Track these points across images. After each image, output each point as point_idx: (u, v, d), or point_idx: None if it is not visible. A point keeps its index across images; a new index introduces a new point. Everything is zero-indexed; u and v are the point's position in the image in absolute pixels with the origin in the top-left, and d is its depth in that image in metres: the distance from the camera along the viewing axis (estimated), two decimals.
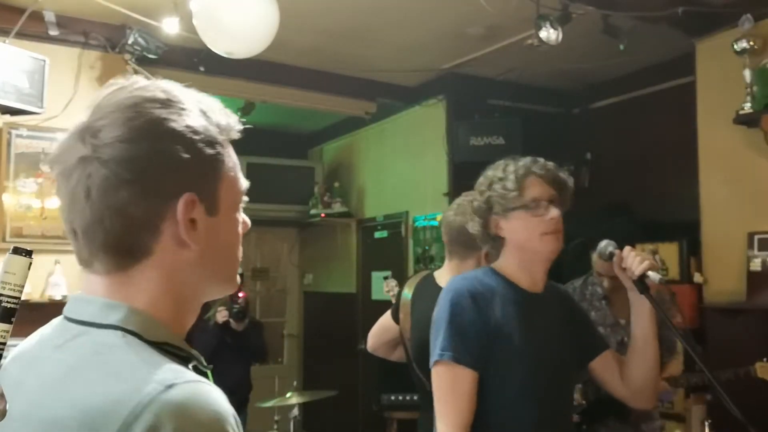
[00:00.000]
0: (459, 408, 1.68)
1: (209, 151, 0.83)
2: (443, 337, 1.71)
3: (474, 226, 1.83)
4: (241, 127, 0.93)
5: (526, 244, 1.77)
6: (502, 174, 1.82)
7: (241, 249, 0.91)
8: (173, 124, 0.80)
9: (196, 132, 0.82)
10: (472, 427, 1.70)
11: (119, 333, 0.77)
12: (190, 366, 0.79)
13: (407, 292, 2.56)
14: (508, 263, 1.83)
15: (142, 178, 0.78)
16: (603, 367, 1.87)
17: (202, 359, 0.83)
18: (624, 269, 1.77)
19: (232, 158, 0.89)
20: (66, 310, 0.84)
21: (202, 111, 0.86)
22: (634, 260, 1.75)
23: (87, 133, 0.80)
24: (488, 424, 1.72)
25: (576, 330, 1.88)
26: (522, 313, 1.76)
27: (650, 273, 1.72)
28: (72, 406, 0.71)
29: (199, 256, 0.82)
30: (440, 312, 1.76)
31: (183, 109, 0.83)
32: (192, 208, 0.81)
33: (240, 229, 0.91)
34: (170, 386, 0.70)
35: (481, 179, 1.88)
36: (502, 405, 1.72)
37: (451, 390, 1.69)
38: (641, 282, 1.73)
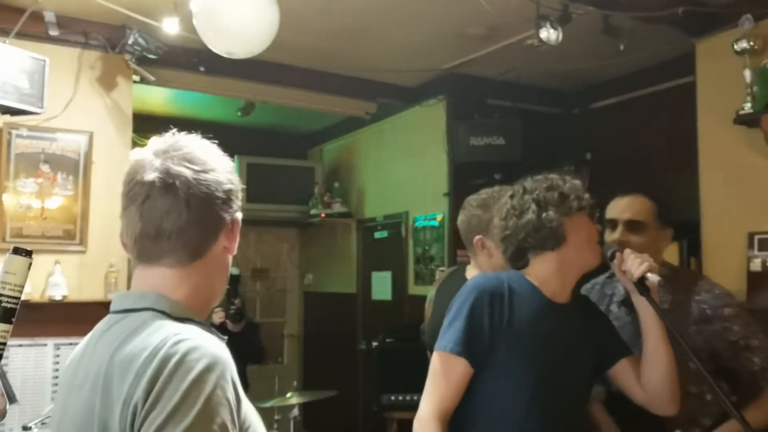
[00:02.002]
0: (447, 395, 1.71)
1: (236, 194, 1.15)
2: (456, 330, 1.71)
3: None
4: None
5: (584, 249, 1.77)
6: (560, 177, 1.81)
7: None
8: (221, 167, 1.13)
9: (232, 182, 1.15)
10: (478, 426, 1.72)
11: (150, 312, 1.02)
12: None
13: (432, 292, 2.56)
14: (544, 268, 1.79)
15: (225, 197, 1.10)
16: (622, 373, 1.84)
17: (220, 334, 1.06)
18: (624, 272, 1.77)
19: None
20: (111, 308, 1.09)
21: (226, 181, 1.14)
22: (634, 262, 1.74)
23: (169, 156, 1.10)
24: (494, 427, 1.72)
25: (596, 338, 1.85)
26: (546, 324, 1.74)
27: (650, 275, 1.72)
28: (117, 358, 0.97)
29: (226, 264, 1.15)
30: (460, 306, 1.75)
31: (229, 173, 1.16)
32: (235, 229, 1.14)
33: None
34: (178, 333, 0.96)
35: (538, 179, 1.83)
36: (510, 413, 1.72)
37: (444, 378, 1.72)
38: (641, 284, 1.73)
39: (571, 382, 1.77)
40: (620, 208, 2.15)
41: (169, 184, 1.04)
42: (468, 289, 1.77)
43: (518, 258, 1.83)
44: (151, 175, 1.04)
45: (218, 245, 1.10)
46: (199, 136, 1.17)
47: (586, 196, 1.78)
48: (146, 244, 1.06)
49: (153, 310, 1.02)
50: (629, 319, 2.06)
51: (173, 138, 1.14)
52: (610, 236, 2.10)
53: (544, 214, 1.75)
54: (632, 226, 2.09)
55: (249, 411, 1.03)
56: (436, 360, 1.74)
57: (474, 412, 1.74)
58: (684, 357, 1.74)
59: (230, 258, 1.15)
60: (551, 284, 1.78)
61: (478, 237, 2.26)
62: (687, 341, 1.67)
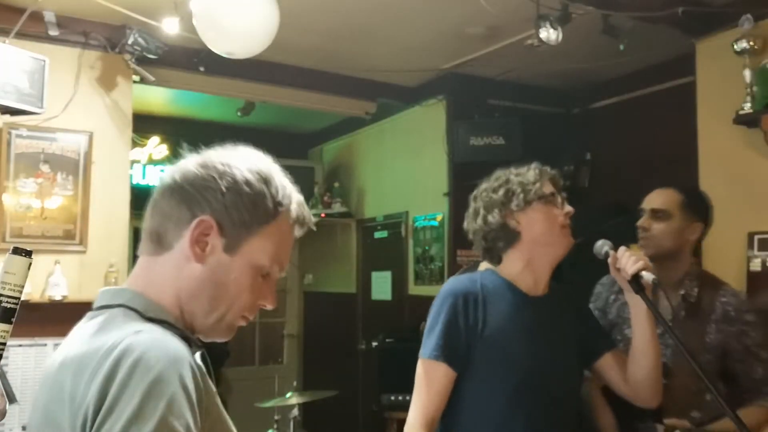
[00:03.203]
0: (432, 401, 1.76)
1: (252, 206, 1.01)
2: (435, 336, 1.76)
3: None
4: (310, 221, 1.12)
5: (543, 238, 1.78)
6: (516, 171, 1.84)
7: (248, 306, 1.05)
8: (238, 173, 1.01)
9: (251, 187, 1.02)
10: (466, 428, 1.76)
11: (122, 309, 0.97)
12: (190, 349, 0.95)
13: None
14: (512, 264, 1.83)
15: (189, 188, 1.01)
16: (607, 367, 1.87)
17: (197, 341, 1.00)
18: (619, 269, 1.78)
19: (280, 233, 1.06)
20: (94, 305, 1.04)
21: (275, 185, 1.05)
22: (628, 260, 1.75)
23: (190, 159, 1.07)
24: (482, 427, 1.75)
25: (581, 331, 1.88)
26: (520, 318, 1.77)
27: (644, 273, 1.73)
28: (72, 356, 0.92)
29: (202, 276, 1.00)
30: (437, 312, 1.79)
31: (258, 173, 1.04)
32: (207, 231, 0.99)
33: (253, 290, 1.04)
34: (139, 331, 0.90)
35: (493, 178, 1.87)
36: (493, 410, 1.74)
37: (428, 385, 1.76)
38: (635, 282, 1.74)
39: (555, 373, 1.79)
40: (649, 198, 2.26)
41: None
42: (442, 295, 1.81)
43: (488, 256, 1.88)
44: None
45: (184, 241, 0.99)
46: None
47: (536, 186, 1.79)
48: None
49: (125, 307, 0.97)
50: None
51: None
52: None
53: (488, 217, 1.81)
54: (656, 214, 2.17)
55: (219, 411, 0.97)
56: (419, 368, 1.79)
57: (459, 413, 1.77)
58: (684, 344, 1.76)
59: (223, 273, 1.01)
60: (523, 279, 1.82)
61: None
62: (681, 340, 1.68)
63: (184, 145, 1.18)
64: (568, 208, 1.81)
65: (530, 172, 1.82)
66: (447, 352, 1.74)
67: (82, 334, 0.96)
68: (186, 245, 0.99)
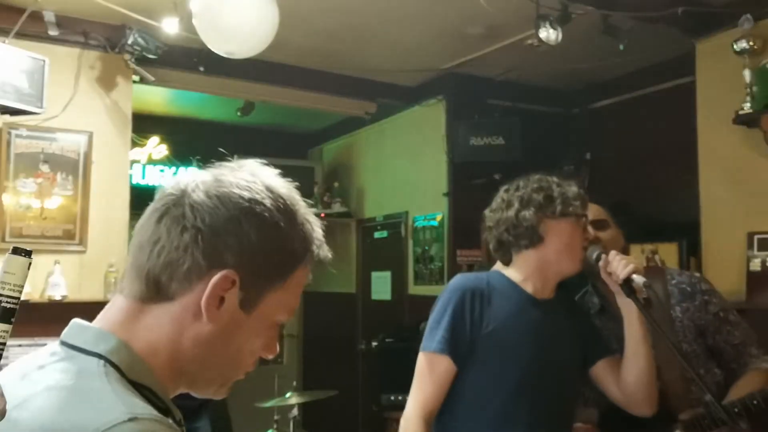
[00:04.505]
0: (432, 394, 1.77)
1: (278, 256, 0.83)
2: (440, 330, 1.77)
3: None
4: (325, 259, 0.92)
5: (563, 252, 1.80)
6: (558, 182, 1.84)
7: (252, 364, 0.89)
8: (266, 214, 0.82)
9: (280, 233, 0.83)
10: (465, 424, 1.77)
11: (101, 362, 0.76)
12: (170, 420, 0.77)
13: None
14: (524, 266, 1.84)
15: (208, 232, 0.79)
16: (602, 373, 1.89)
17: (180, 416, 0.81)
18: (610, 274, 1.78)
19: (298, 283, 0.88)
20: (63, 335, 0.83)
21: (302, 227, 0.86)
22: (619, 264, 1.76)
23: (203, 182, 0.83)
24: (481, 423, 1.76)
25: (581, 337, 1.90)
26: (526, 319, 1.79)
27: (635, 276, 1.73)
28: (40, 425, 0.70)
29: (209, 336, 0.81)
30: (443, 306, 1.80)
31: (286, 212, 0.84)
32: (227, 287, 0.80)
33: (261, 347, 0.88)
34: (132, 419, 0.69)
35: (533, 179, 1.86)
36: (493, 407, 1.76)
37: (429, 377, 1.78)
38: (627, 285, 1.74)
39: (557, 372, 1.81)
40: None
41: None
42: (450, 290, 1.83)
43: (500, 251, 1.88)
44: None
45: (193, 296, 0.80)
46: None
47: (577, 203, 1.81)
48: None
49: (105, 359, 0.76)
50: (610, 325, 2.10)
51: None
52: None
53: (522, 213, 1.80)
54: (598, 224, 2.17)
55: None
56: (421, 360, 1.81)
57: (458, 408, 1.79)
58: (677, 345, 1.81)
59: (235, 333, 0.83)
60: (532, 282, 1.83)
61: None
62: (673, 337, 1.69)
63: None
64: (590, 234, 1.86)
65: (573, 188, 1.84)
66: (451, 347, 1.75)
67: (41, 384, 0.75)
68: (196, 301, 0.79)
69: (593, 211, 2.16)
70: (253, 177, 0.84)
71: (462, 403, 1.79)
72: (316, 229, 0.89)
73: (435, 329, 1.79)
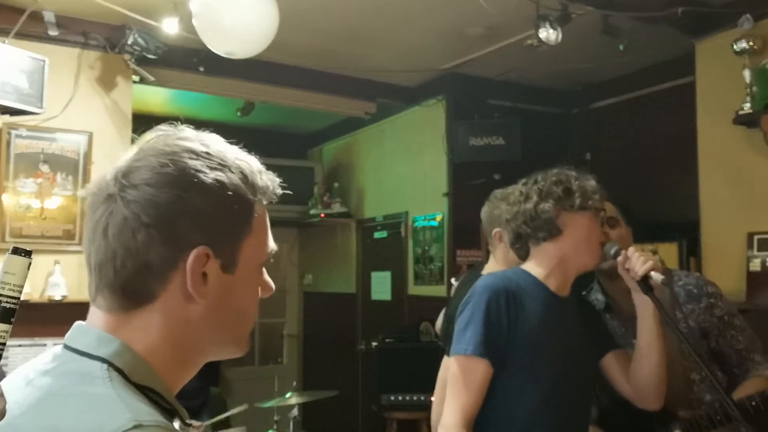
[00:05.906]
0: (471, 400, 1.71)
1: (235, 208, 0.82)
2: (473, 332, 1.72)
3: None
4: (279, 190, 0.91)
5: (582, 245, 1.79)
6: (576, 176, 1.84)
7: (256, 311, 0.89)
8: (203, 177, 0.79)
9: (225, 187, 0.80)
10: (497, 428, 1.74)
11: (104, 366, 0.75)
12: (176, 423, 0.77)
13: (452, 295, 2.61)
14: (543, 260, 1.83)
15: (159, 224, 0.77)
16: (611, 365, 1.89)
17: (186, 414, 0.81)
18: (627, 270, 1.78)
19: (262, 219, 0.87)
20: (66, 338, 0.83)
21: (240, 169, 0.84)
22: (638, 260, 1.75)
23: (120, 172, 0.80)
24: (516, 426, 1.74)
25: (592, 329, 1.91)
26: (553, 318, 1.78)
27: (653, 273, 1.73)
28: (43, 430, 0.70)
29: (206, 311, 0.81)
30: (474, 308, 1.76)
31: (219, 164, 0.82)
32: (204, 262, 0.79)
33: (259, 291, 0.88)
34: (137, 426, 0.68)
35: (552, 173, 1.87)
36: (529, 408, 1.73)
37: (466, 382, 1.72)
38: (645, 282, 1.74)
39: (582, 370, 1.82)
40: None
41: None
42: (480, 290, 1.78)
43: (517, 245, 1.88)
44: None
45: (174, 286, 0.79)
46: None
47: (596, 197, 1.81)
48: None
49: (109, 364, 0.76)
50: (613, 323, 2.11)
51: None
52: None
53: (541, 205, 1.79)
54: (609, 222, 2.18)
55: None
56: (456, 366, 1.75)
57: (494, 411, 1.75)
58: (695, 346, 1.80)
59: (229, 295, 0.83)
60: (554, 278, 1.82)
61: (497, 230, 2.31)
62: (688, 338, 1.69)
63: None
64: (607, 230, 1.86)
65: (591, 182, 1.84)
66: (488, 348, 1.71)
67: (45, 390, 0.75)
68: (182, 289, 0.79)
69: (607, 207, 2.21)
70: (167, 146, 0.82)
71: (496, 404, 1.74)
72: (252, 161, 0.86)
73: (465, 331, 1.74)
